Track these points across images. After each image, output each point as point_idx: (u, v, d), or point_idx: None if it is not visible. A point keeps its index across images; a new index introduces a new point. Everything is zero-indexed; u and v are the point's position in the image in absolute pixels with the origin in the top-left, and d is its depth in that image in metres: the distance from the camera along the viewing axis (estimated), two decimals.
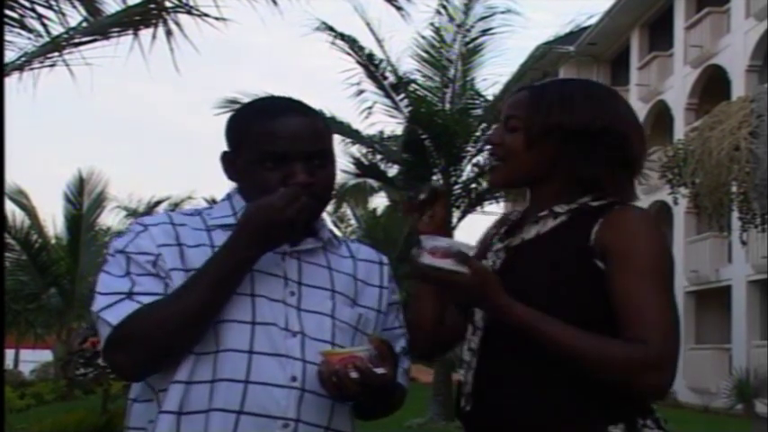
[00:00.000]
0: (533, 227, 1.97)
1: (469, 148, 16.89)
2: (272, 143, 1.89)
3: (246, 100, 2.17)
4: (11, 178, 23.89)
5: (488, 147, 2.06)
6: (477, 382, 1.94)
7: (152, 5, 6.58)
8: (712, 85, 23.38)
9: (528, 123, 1.96)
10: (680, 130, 22.72)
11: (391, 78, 16.81)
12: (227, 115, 2.05)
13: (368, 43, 16.74)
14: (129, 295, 1.83)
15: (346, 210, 28.21)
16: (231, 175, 1.98)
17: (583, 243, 1.87)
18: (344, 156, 17.40)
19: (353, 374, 1.76)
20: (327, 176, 1.95)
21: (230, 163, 1.97)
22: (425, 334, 2.09)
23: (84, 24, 6.59)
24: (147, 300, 1.82)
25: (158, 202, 27.91)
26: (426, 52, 17.04)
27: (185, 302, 1.79)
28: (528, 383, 1.86)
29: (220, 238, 1.90)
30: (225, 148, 1.99)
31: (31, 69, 6.65)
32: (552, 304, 1.84)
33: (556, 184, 1.97)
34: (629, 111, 2.03)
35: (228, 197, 2.00)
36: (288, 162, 1.89)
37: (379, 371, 1.79)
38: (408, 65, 17.42)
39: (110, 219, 26.52)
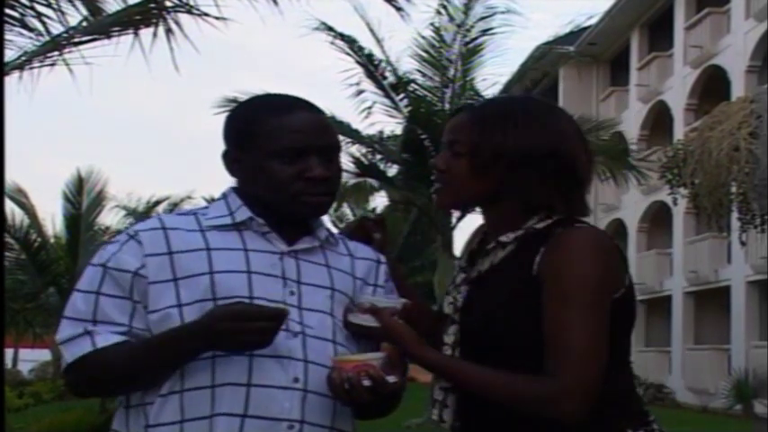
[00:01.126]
0: (486, 258, 1.96)
1: None
2: (289, 137, 1.88)
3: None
4: (10, 177, 23.88)
5: (434, 171, 2.02)
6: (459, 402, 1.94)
7: (152, 5, 6.58)
8: (712, 85, 23.37)
9: (473, 150, 1.93)
10: (679, 131, 22.72)
11: (391, 78, 16.79)
12: (227, 114, 2.03)
13: (367, 43, 16.74)
14: (89, 330, 1.86)
15: (345, 209, 28.19)
16: (234, 173, 1.96)
17: (527, 274, 1.86)
18: (344, 155, 17.36)
19: (366, 382, 1.76)
20: (337, 171, 1.96)
21: (234, 161, 1.95)
22: None
23: (84, 23, 6.60)
24: (103, 337, 1.84)
25: (158, 202, 27.81)
26: (426, 52, 17.01)
27: (131, 366, 1.83)
28: None
29: (216, 239, 1.89)
30: (224, 147, 1.97)
31: (31, 68, 6.65)
32: (511, 340, 1.85)
33: (505, 206, 1.95)
34: (571, 126, 1.98)
35: (224, 196, 1.98)
36: (303, 156, 1.88)
37: (391, 379, 1.78)
38: (408, 65, 17.36)
39: (109, 218, 26.39)
